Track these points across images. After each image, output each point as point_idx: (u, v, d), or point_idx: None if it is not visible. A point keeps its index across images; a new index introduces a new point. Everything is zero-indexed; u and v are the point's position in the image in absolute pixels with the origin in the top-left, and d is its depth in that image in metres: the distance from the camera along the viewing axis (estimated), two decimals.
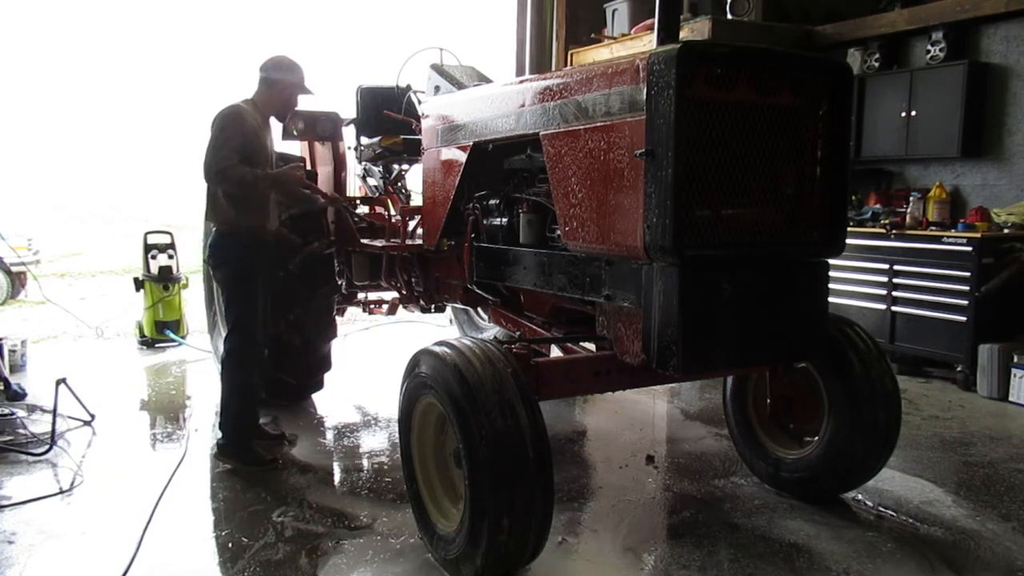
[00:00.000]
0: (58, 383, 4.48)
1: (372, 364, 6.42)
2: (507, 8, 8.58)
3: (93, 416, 4.69)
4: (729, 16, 7.14)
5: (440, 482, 3.03)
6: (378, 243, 5.02)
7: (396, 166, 5.73)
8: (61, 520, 3.40)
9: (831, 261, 3.01)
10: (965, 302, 5.54)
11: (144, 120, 21.88)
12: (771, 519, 3.43)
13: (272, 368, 4.54)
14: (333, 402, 5.22)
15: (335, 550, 3.12)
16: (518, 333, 3.68)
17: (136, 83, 23.08)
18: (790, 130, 2.82)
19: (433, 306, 5.31)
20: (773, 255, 2.90)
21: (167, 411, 5.14)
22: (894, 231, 6.06)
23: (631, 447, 4.35)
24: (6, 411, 4.71)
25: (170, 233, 7.30)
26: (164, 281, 6.96)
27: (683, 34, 5.91)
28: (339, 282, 5.21)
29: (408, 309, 5.61)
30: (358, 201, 5.70)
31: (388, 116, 5.11)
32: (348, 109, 5.66)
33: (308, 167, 5.14)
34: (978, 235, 5.54)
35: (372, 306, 5.78)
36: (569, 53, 8.42)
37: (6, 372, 5.35)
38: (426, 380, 2.82)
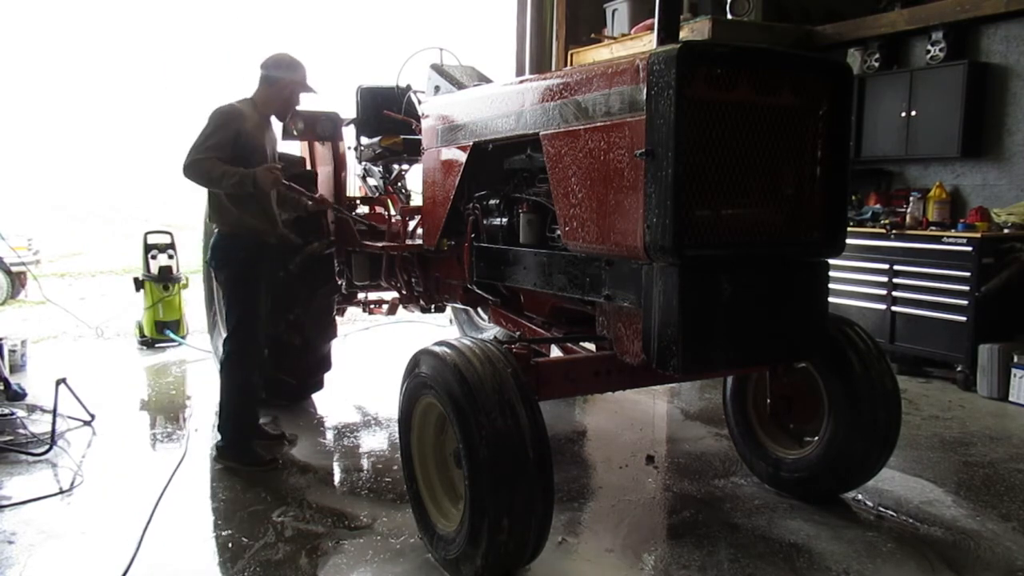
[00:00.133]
0: (58, 383, 4.48)
1: (372, 364, 6.42)
2: (507, 8, 8.58)
3: (93, 416, 4.69)
4: (729, 16, 7.14)
5: (440, 482, 3.03)
6: (378, 244, 5.02)
7: (396, 166, 5.73)
8: (61, 520, 3.40)
9: (831, 261, 3.01)
10: (965, 302, 5.53)
11: (144, 120, 21.89)
12: (771, 519, 3.43)
13: (272, 368, 4.54)
14: (333, 402, 5.22)
15: (335, 550, 3.12)
16: (518, 333, 3.67)
17: (136, 83, 23.13)
18: (790, 130, 2.82)
19: (433, 306, 5.31)
20: (773, 255, 2.90)
21: (167, 411, 5.14)
22: (894, 231, 6.06)
23: (631, 447, 4.35)
24: (6, 411, 4.71)
25: (170, 233, 7.30)
26: (164, 281, 6.95)
27: (683, 34, 5.92)
28: (339, 282, 5.21)
29: (408, 309, 5.61)
30: (358, 201, 5.71)
31: (388, 116, 5.11)
32: (348, 109, 5.67)
33: (308, 167, 5.14)
34: (978, 235, 5.54)
35: (372, 306, 5.79)
36: (569, 53, 8.41)
37: (6, 372, 5.35)
38: (426, 380, 2.82)
